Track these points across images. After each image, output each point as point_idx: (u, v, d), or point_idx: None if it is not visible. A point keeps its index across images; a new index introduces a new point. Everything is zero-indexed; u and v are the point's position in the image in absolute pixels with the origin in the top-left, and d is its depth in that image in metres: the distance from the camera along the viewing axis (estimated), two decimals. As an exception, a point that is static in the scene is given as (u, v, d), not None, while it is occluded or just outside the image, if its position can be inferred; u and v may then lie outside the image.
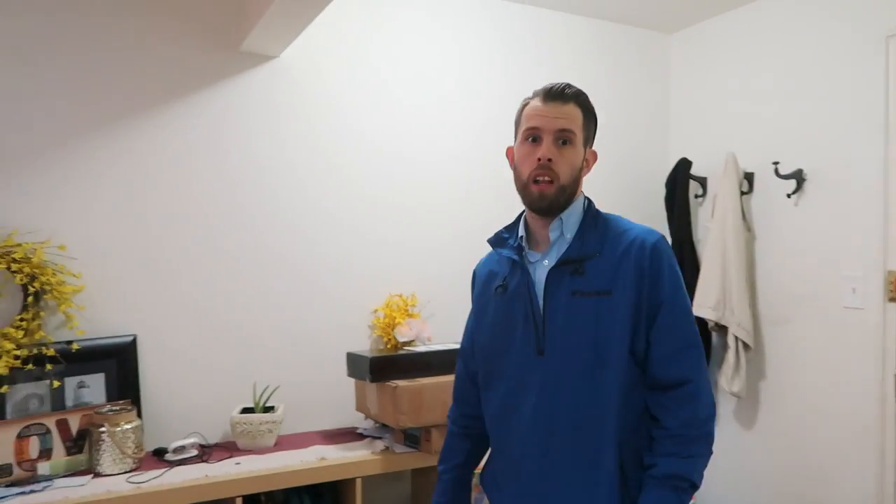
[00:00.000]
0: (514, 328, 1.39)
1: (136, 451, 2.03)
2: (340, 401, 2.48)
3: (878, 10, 2.34)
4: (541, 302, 1.36)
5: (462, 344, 1.60)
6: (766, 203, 2.74)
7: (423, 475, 2.50)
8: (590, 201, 1.43)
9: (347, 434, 2.41)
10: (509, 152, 1.44)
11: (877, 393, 2.33)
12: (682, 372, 1.30)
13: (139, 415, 2.13)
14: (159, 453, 2.14)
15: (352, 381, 2.43)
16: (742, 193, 2.77)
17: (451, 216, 2.72)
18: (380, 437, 2.32)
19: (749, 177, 2.79)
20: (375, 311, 2.57)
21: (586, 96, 1.40)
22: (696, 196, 3.04)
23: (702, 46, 3.06)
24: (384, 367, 2.23)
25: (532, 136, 1.36)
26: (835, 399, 2.47)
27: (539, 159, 1.33)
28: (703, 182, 3.01)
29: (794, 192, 2.61)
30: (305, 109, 2.48)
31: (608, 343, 1.30)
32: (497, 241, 1.49)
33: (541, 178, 1.34)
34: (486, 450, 1.56)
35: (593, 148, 1.42)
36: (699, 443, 1.28)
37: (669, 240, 3.01)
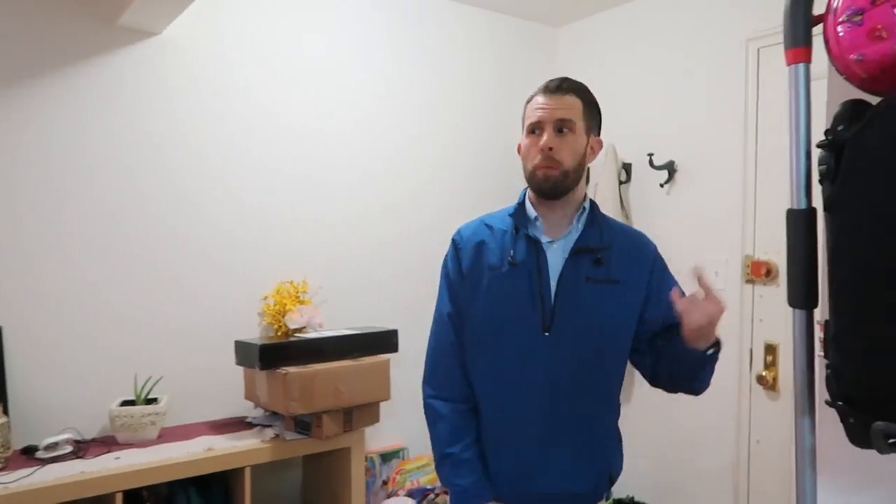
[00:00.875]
0: (518, 304, 1.44)
1: (1, 450, 1.90)
2: (229, 390, 2.43)
3: (740, 14, 2.54)
4: (552, 283, 1.43)
5: (444, 312, 1.54)
6: (641, 192, 2.92)
7: (315, 461, 2.50)
8: (591, 199, 1.54)
9: (236, 423, 2.36)
10: (519, 148, 1.51)
11: (735, 366, 2.55)
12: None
13: (5, 411, 1.99)
14: (29, 451, 2.01)
15: (240, 369, 2.38)
16: (620, 183, 2.93)
17: (343, 201, 2.71)
18: (270, 426, 2.29)
19: (627, 167, 2.96)
20: (265, 297, 2.52)
21: (586, 88, 1.49)
22: (580, 185, 3.19)
23: (586, 41, 3.21)
24: (274, 354, 2.21)
25: (534, 129, 1.44)
26: (700, 373, 2.68)
27: (542, 149, 1.40)
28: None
29: (666, 182, 2.80)
30: (192, 89, 2.38)
31: (614, 327, 1.44)
32: (521, 219, 1.49)
33: (546, 168, 1.41)
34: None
35: (599, 137, 1.51)
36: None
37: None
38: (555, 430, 1.43)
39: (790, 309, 2.40)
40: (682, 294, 1.42)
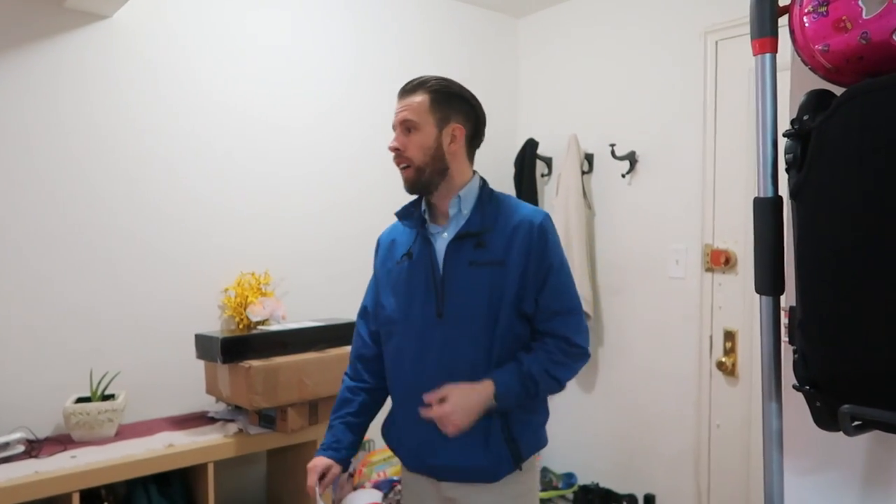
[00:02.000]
0: (416, 293, 1.55)
1: (-51, 451, 1.82)
2: (189, 385, 2.37)
3: (697, 6, 2.58)
4: (441, 270, 1.53)
5: (363, 305, 1.72)
6: (603, 182, 2.95)
7: (280, 455, 2.47)
8: (484, 181, 1.60)
9: (197, 419, 2.31)
10: None
11: (695, 353, 2.61)
12: (564, 330, 1.52)
13: (-48, 411, 1.91)
14: (-22, 452, 1.93)
15: (201, 364, 2.33)
16: (583, 173, 2.96)
17: (305, 192, 2.66)
18: (233, 420, 2.25)
19: (589, 157, 2.98)
20: (226, 290, 2.47)
21: (439, 81, 1.55)
22: (542, 175, 3.21)
23: (547, 32, 3.21)
24: (236, 347, 2.16)
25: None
26: (661, 360, 2.73)
27: (391, 150, 1.55)
28: (548, 162, 3.17)
29: (627, 173, 2.83)
30: (145, 77, 2.31)
31: (500, 305, 1.49)
32: (404, 213, 1.62)
33: (399, 166, 1.55)
34: (380, 405, 1.72)
35: (460, 123, 1.54)
36: (561, 368, 1.51)
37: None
38: None
39: (749, 296, 2.48)
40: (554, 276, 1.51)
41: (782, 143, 1.02)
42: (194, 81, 2.40)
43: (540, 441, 1.59)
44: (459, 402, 1.43)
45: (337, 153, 2.73)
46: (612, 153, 2.83)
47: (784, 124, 1.03)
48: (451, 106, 1.54)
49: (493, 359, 1.50)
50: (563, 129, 3.03)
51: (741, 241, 2.46)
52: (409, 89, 1.55)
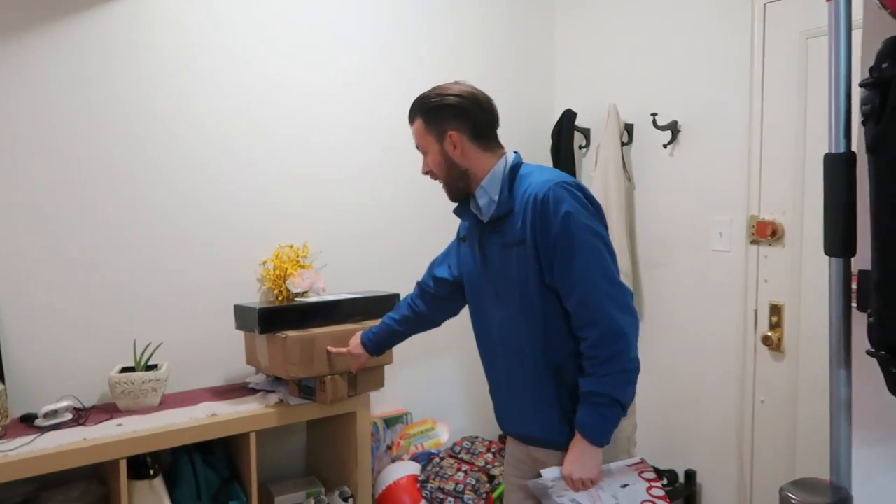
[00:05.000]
0: (472, 275, 1.73)
1: None
2: (229, 356, 2.39)
3: (747, -31, 2.48)
4: (479, 256, 1.67)
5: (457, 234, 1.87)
6: (644, 153, 2.88)
7: (319, 426, 2.48)
8: (514, 160, 1.64)
9: (238, 389, 2.33)
10: None
11: (739, 328, 2.54)
12: (583, 328, 1.48)
13: (2, 379, 1.94)
14: (28, 419, 1.97)
15: (240, 335, 2.34)
16: (622, 144, 2.89)
17: (342, 164, 2.64)
18: (273, 391, 2.26)
19: (629, 128, 2.91)
20: (264, 262, 2.47)
21: (422, 99, 1.64)
22: (580, 147, 3.15)
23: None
24: (273, 317, 2.16)
25: None
26: (703, 334, 2.68)
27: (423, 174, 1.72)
28: (586, 133, 3.11)
29: (669, 143, 2.76)
30: (184, 49, 2.29)
31: (529, 283, 1.54)
32: (458, 211, 1.74)
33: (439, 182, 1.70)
34: (422, 329, 2.00)
35: (453, 129, 1.60)
36: (611, 362, 1.45)
37: (555, 190, 3.11)
38: (513, 383, 1.64)
39: (797, 269, 2.40)
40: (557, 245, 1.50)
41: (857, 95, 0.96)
42: (230, 53, 2.38)
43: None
44: (576, 472, 1.48)
45: (373, 125, 2.70)
46: (654, 123, 2.75)
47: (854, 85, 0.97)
48: (441, 117, 1.61)
49: (546, 336, 1.55)
50: (601, 99, 2.96)
51: (789, 211, 2.38)
52: (409, 117, 1.68)
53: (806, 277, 2.35)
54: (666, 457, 2.80)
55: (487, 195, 1.60)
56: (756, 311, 2.49)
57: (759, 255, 2.49)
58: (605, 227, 1.57)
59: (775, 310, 2.44)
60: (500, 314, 1.62)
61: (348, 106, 2.66)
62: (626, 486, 1.57)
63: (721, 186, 2.59)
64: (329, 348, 2.12)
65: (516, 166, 1.62)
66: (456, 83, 1.65)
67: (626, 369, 1.47)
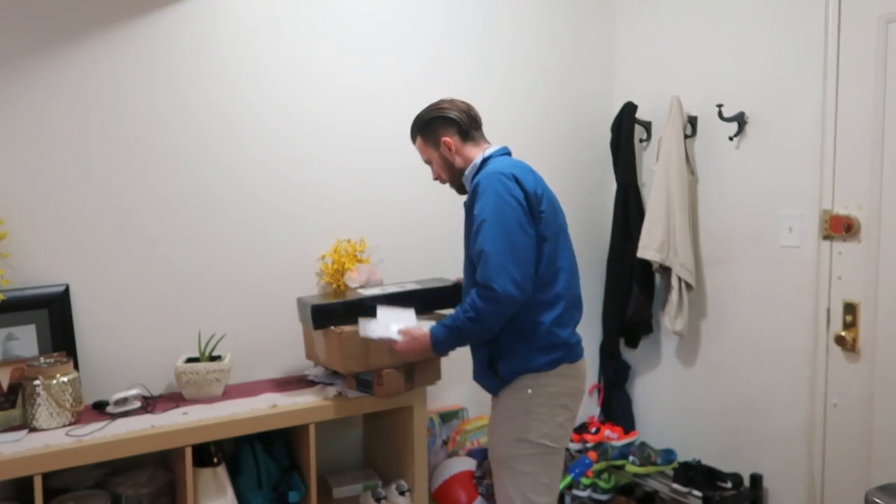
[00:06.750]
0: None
1: (74, 404, 1.93)
2: (289, 348, 2.42)
3: (820, -48, 2.36)
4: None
5: None
6: (708, 146, 2.79)
7: (375, 420, 2.50)
8: (488, 153, 1.94)
9: (297, 381, 2.36)
10: None
11: (810, 328, 2.44)
12: (481, 276, 1.75)
13: (76, 367, 2.02)
14: (100, 406, 2.05)
15: (299, 328, 2.37)
16: (686, 137, 2.80)
17: (399, 158, 2.64)
18: (331, 383, 2.29)
19: (692, 120, 2.82)
20: (323, 257, 2.50)
21: (416, 120, 2.01)
22: (641, 140, 3.07)
23: (647, -11, 3.05)
24: (327, 314, 2.16)
25: None
26: (771, 335, 2.58)
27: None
28: (647, 126, 3.03)
29: (735, 135, 2.66)
30: (245, 48, 2.34)
31: (468, 254, 1.91)
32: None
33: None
34: None
35: (445, 136, 1.95)
36: (469, 312, 1.79)
37: (614, 184, 3.05)
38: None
39: (873, 266, 2.29)
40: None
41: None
42: (289, 51, 2.42)
43: (519, 366, 1.84)
44: (407, 346, 1.94)
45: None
46: (720, 114, 2.66)
47: None
48: (434, 129, 1.96)
49: None
50: (663, 92, 2.88)
51: (866, 205, 2.27)
52: (411, 137, 2.04)
53: (884, 274, 2.23)
54: (730, 459, 2.71)
55: (468, 181, 1.94)
56: (829, 310, 2.38)
57: (832, 250, 2.38)
58: (538, 213, 1.81)
59: (850, 308, 2.32)
60: (466, 283, 1.95)
61: (405, 101, 2.64)
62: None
63: (791, 180, 2.49)
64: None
65: (488, 158, 1.92)
66: (440, 100, 1.99)
67: (479, 324, 1.78)
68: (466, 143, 1.95)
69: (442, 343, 1.88)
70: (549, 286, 1.84)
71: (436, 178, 2.03)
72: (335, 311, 2.19)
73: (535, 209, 1.81)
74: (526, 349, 1.84)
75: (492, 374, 1.89)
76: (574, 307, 1.94)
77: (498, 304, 1.73)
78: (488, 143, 2.01)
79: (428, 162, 2.02)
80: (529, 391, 1.85)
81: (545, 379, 1.85)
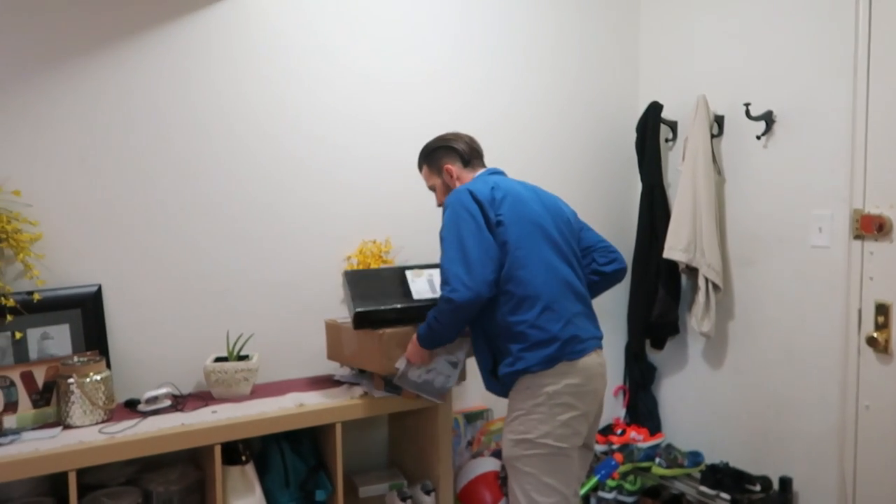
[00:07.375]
0: None
1: (106, 402, 1.97)
2: (316, 349, 2.44)
3: (850, -52, 2.33)
4: None
5: None
6: (735, 145, 2.76)
7: (401, 420, 2.51)
8: (478, 175, 2.11)
9: (324, 381, 2.38)
10: None
11: (841, 329, 2.40)
12: (440, 283, 1.94)
13: (108, 366, 2.06)
14: (131, 404, 2.08)
15: (324, 329, 2.39)
16: (712, 136, 2.78)
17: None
18: (357, 383, 2.30)
19: (719, 120, 2.79)
20: (348, 257, 2.52)
21: (422, 151, 2.22)
22: (667, 140, 3.05)
23: (673, -13, 3.03)
24: (369, 318, 2.15)
25: None
26: (800, 336, 2.54)
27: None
28: (673, 126, 3.01)
29: (763, 134, 2.63)
30: (276, 48, 2.37)
31: None
32: None
33: None
34: None
35: (447, 164, 2.14)
36: (437, 310, 1.95)
37: (640, 185, 3.03)
38: None
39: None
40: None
41: None
42: (317, 51, 2.44)
43: (514, 367, 1.91)
44: (409, 348, 2.07)
45: (452, 122, 2.70)
46: (747, 113, 2.63)
47: None
48: (437, 159, 2.15)
49: None
50: (689, 91, 2.85)
51: (899, 205, 2.23)
52: (418, 166, 2.23)
53: (918, 275, 2.19)
54: (759, 462, 2.68)
55: None
56: (860, 311, 2.34)
57: (863, 250, 2.34)
58: (495, 218, 1.92)
59: (882, 309, 2.28)
60: None
61: (427, 97, 2.66)
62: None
63: (821, 179, 2.45)
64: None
65: (476, 178, 2.08)
66: (446, 132, 2.19)
67: (437, 325, 1.95)
68: (466, 169, 2.13)
69: (423, 338, 2.01)
70: (520, 284, 1.90)
71: (439, 205, 2.14)
72: (379, 316, 2.16)
73: (491, 215, 1.92)
74: (516, 350, 1.91)
75: (495, 380, 2.00)
76: (563, 298, 1.93)
77: (450, 304, 1.87)
78: (484, 166, 2.17)
79: (432, 188, 2.18)
80: (528, 391, 1.91)
81: (543, 378, 1.89)
